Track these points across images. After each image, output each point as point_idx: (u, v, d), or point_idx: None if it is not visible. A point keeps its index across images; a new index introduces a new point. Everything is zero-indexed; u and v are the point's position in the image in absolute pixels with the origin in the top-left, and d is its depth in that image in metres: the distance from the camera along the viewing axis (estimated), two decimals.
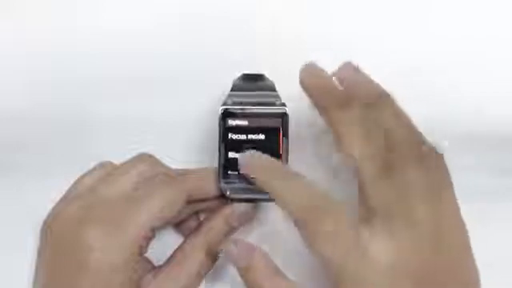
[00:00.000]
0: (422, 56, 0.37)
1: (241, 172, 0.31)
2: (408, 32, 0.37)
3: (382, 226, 0.27)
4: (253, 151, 0.31)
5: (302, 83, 0.30)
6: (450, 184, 0.28)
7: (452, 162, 0.29)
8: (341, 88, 0.30)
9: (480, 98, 0.37)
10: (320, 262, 0.27)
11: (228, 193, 0.32)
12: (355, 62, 0.30)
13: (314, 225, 0.27)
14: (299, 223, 0.28)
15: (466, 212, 0.28)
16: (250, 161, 0.31)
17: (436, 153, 0.28)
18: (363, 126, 0.29)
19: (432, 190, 0.27)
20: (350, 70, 0.30)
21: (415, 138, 0.29)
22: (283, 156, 0.32)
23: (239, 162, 0.31)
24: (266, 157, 0.31)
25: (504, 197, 0.36)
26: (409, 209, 0.27)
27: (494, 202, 0.36)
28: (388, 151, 0.28)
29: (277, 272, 0.29)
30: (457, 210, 0.28)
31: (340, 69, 0.30)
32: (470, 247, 0.28)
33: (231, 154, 0.32)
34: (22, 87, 0.37)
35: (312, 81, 0.30)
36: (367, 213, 0.28)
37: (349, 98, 0.29)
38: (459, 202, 0.28)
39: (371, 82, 0.30)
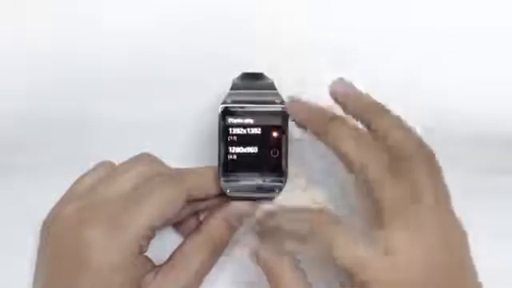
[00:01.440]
0: (421, 56, 0.37)
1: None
2: (407, 31, 0.37)
3: (393, 226, 0.27)
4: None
5: (295, 119, 0.32)
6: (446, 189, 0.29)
7: (451, 162, 0.29)
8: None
9: (478, 99, 0.37)
10: (342, 270, 0.28)
11: (228, 191, 0.32)
12: (347, 80, 0.32)
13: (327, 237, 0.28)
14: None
15: (465, 212, 0.28)
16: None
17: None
18: (357, 133, 0.30)
19: (436, 190, 0.28)
20: (342, 83, 0.31)
21: (416, 136, 0.29)
22: (283, 154, 0.32)
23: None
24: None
25: (503, 197, 0.36)
26: (417, 208, 0.27)
27: (493, 202, 0.36)
28: (390, 152, 0.29)
29: (294, 264, 0.29)
30: (453, 213, 0.29)
31: (333, 82, 0.32)
32: (468, 246, 0.29)
33: (231, 153, 0.32)
34: (22, 87, 0.37)
35: (301, 116, 0.31)
36: (377, 215, 0.28)
37: (336, 115, 0.30)
38: (458, 202, 0.28)
39: (366, 94, 0.31)
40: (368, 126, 0.30)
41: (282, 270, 0.29)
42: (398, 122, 0.30)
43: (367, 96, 0.31)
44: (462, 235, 0.29)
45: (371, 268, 0.27)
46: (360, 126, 0.31)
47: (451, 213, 0.29)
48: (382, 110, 0.30)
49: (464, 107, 0.37)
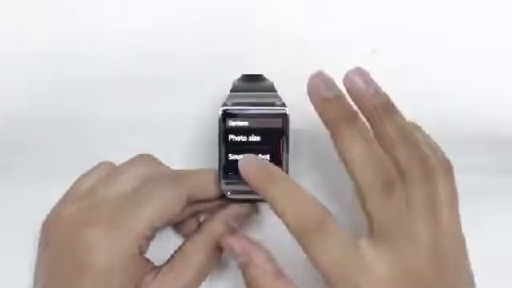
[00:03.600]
0: (420, 56, 0.37)
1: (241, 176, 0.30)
2: (407, 32, 0.37)
3: (381, 239, 0.27)
4: (248, 155, 0.31)
5: (310, 96, 0.29)
6: (454, 196, 0.29)
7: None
8: (347, 99, 0.29)
9: (477, 99, 0.37)
10: (318, 271, 0.27)
11: (229, 194, 0.32)
12: (363, 68, 0.29)
13: (310, 236, 0.27)
14: (295, 233, 0.28)
15: (463, 213, 0.28)
16: (246, 165, 0.30)
17: (443, 165, 0.29)
18: (366, 141, 0.29)
19: (433, 205, 0.28)
20: (357, 76, 0.29)
21: (419, 153, 0.29)
22: (283, 157, 0.32)
23: (239, 165, 0.30)
24: (262, 162, 0.30)
25: (501, 197, 0.36)
26: (409, 224, 0.27)
27: (492, 202, 0.36)
28: (390, 168, 0.28)
29: (277, 272, 0.29)
30: (457, 222, 0.29)
31: (348, 73, 0.29)
32: (466, 255, 0.29)
33: (231, 155, 0.32)
34: (22, 87, 0.37)
35: (319, 94, 0.29)
36: (367, 225, 0.28)
37: (354, 113, 0.29)
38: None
39: (378, 91, 0.29)
40: (374, 127, 0.29)
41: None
42: (403, 131, 0.29)
43: (379, 93, 0.29)
44: (460, 247, 0.28)
45: (349, 278, 0.27)
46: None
47: (450, 227, 0.28)
48: (390, 115, 0.29)
49: (464, 107, 0.37)
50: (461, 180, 0.29)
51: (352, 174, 0.29)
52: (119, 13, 0.38)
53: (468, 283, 0.28)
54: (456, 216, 0.29)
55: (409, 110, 0.30)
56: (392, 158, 0.28)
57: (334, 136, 0.29)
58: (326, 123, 0.30)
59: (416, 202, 0.28)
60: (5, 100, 0.37)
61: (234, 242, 0.30)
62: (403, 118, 0.29)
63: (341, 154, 0.29)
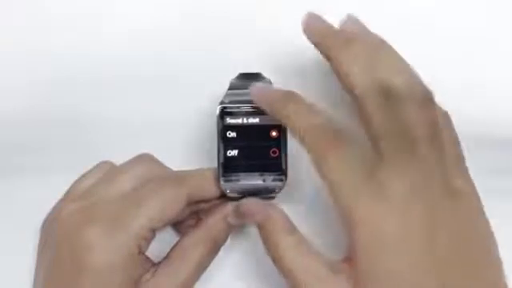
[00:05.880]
0: (420, 56, 0.37)
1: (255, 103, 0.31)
2: (407, 32, 0.37)
3: (391, 159, 0.26)
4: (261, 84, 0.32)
5: (305, 29, 0.30)
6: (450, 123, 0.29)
7: None
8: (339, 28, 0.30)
9: (479, 99, 0.37)
10: (329, 189, 0.27)
11: (228, 192, 0.32)
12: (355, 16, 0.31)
13: (323, 150, 0.27)
14: (307, 145, 0.28)
15: None
16: (261, 92, 0.31)
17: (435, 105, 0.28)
18: (366, 62, 0.28)
19: (434, 129, 0.27)
20: (351, 22, 0.31)
21: (415, 83, 0.28)
22: (283, 154, 0.32)
23: (251, 94, 0.31)
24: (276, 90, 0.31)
25: (501, 197, 0.36)
26: (413, 143, 0.26)
27: (492, 202, 0.35)
28: (389, 90, 0.27)
29: (292, 229, 0.29)
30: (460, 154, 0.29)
31: (342, 22, 0.31)
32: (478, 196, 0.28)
33: (230, 153, 0.32)
34: (22, 87, 0.37)
35: (315, 26, 0.30)
36: (375, 148, 0.27)
37: (351, 37, 0.29)
38: None
39: (372, 33, 0.30)
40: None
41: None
42: (400, 64, 0.29)
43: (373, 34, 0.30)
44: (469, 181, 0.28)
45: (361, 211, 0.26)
46: None
47: (453, 152, 0.28)
48: (386, 51, 0.29)
49: (464, 107, 0.37)
50: None
51: (353, 97, 0.28)
52: (119, 13, 0.38)
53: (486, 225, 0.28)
54: (456, 142, 0.29)
55: None
56: (391, 84, 0.28)
57: (334, 64, 0.29)
58: (325, 54, 0.30)
59: (416, 123, 0.27)
60: (5, 100, 0.37)
61: (252, 205, 0.30)
62: (400, 56, 0.30)
63: (341, 78, 0.29)
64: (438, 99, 0.28)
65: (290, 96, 0.30)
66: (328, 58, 0.30)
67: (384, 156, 0.26)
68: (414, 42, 0.37)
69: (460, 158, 0.29)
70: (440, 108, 0.30)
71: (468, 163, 0.29)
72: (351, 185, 0.27)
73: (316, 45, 0.30)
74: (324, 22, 0.31)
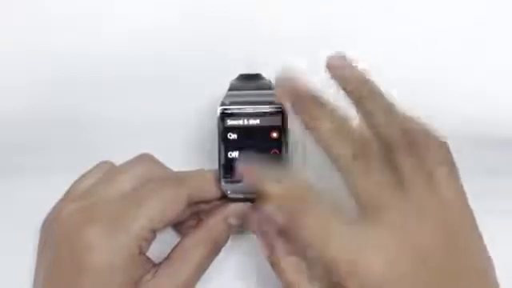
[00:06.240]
0: (420, 56, 0.37)
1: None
2: (407, 31, 0.37)
3: (375, 216, 0.26)
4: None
5: (279, 95, 0.30)
6: (447, 163, 0.28)
7: None
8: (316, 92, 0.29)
9: (478, 99, 0.37)
10: (316, 255, 0.27)
11: (229, 192, 0.32)
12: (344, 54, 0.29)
13: (301, 218, 0.27)
14: (285, 216, 0.27)
15: None
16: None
17: (429, 138, 0.28)
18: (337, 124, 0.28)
19: (427, 175, 0.27)
20: (338, 61, 0.29)
21: (401, 125, 0.28)
22: (283, 154, 0.32)
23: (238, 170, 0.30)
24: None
25: (501, 197, 0.36)
26: (403, 197, 0.26)
27: (492, 202, 0.36)
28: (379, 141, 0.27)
29: None
30: (460, 194, 0.27)
31: (330, 58, 0.29)
32: (476, 228, 0.27)
33: (231, 154, 0.32)
34: (22, 87, 0.37)
35: (287, 89, 0.29)
36: (360, 208, 0.27)
37: (323, 103, 0.28)
38: None
39: (360, 74, 0.29)
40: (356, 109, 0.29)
41: (299, 282, 0.28)
42: (386, 106, 0.28)
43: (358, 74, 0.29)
44: (466, 214, 0.27)
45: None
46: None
47: (449, 192, 0.27)
48: (369, 92, 0.29)
49: (464, 107, 0.37)
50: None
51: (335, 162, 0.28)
52: (119, 13, 0.38)
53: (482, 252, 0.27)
54: (457, 187, 0.27)
55: (407, 109, 0.30)
56: (376, 133, 0.28)
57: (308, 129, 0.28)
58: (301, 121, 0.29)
59: (405, 172, 0.27)
60: (5, 100, 0.37)
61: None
62: (387, 98, 0.29)
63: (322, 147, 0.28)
64: (438, 100, 0.28)
65: None
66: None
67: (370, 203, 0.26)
68: (414, 42, 0.37)
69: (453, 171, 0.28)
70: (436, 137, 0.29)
71: (468, 163, 0.29)
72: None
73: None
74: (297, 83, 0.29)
